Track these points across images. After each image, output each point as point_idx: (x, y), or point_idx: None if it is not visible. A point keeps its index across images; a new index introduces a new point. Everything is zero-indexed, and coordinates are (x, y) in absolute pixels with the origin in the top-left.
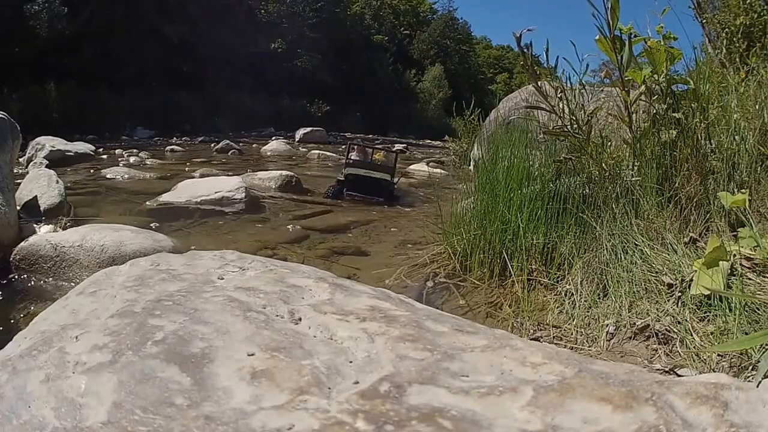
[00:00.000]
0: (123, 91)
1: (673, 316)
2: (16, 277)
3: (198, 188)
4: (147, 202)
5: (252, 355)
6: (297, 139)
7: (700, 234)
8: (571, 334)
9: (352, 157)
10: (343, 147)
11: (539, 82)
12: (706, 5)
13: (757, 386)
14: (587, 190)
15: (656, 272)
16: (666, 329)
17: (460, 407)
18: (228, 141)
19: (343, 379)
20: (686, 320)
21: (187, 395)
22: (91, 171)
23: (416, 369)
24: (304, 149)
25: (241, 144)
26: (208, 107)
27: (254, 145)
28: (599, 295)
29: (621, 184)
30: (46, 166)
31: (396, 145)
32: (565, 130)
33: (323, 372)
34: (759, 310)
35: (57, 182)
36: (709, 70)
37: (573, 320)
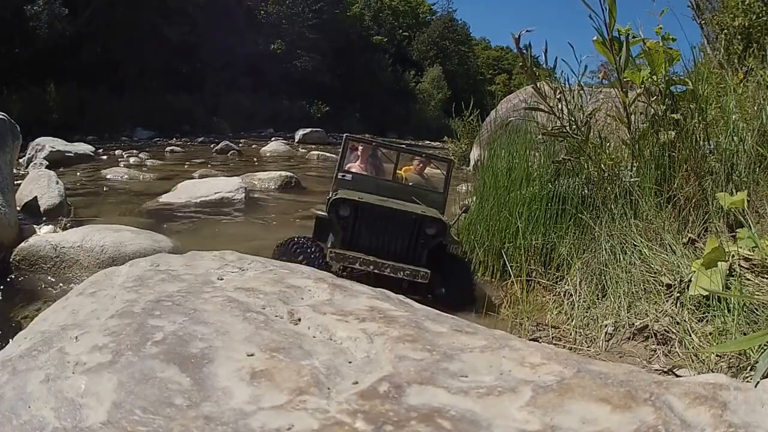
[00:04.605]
0: (123, 92)
1: (671, 317)
2: (16, 277)
3: (198, 189)
4: (147, 203)
5: (251, 355)
6: (296, 140)
7: (698, 235)
8: (570, 334)
9: (354, 171)
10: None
11: (538, 83)
12: (705, 6)
13: (756, 386)
14: (586, 191)
15: (655, 273)
16: (665, 330)
17: (459, 407)
18: (227, 142)
19: (342, 379)
20: (685, 321)
21: (186, 395)
22: (91, 172)
23: (415, 369)
24: (303, 150)
25: (240, 145)
26: (208, 108)
27: (254, 146)
28: (598, 295)
29: (620, 184)
30: (46, 167)
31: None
32: (564, 131)
33: (323, 372)
34: (757, 310)
35: (57, 183)
36: (708, 71)
37: (572, 321)
